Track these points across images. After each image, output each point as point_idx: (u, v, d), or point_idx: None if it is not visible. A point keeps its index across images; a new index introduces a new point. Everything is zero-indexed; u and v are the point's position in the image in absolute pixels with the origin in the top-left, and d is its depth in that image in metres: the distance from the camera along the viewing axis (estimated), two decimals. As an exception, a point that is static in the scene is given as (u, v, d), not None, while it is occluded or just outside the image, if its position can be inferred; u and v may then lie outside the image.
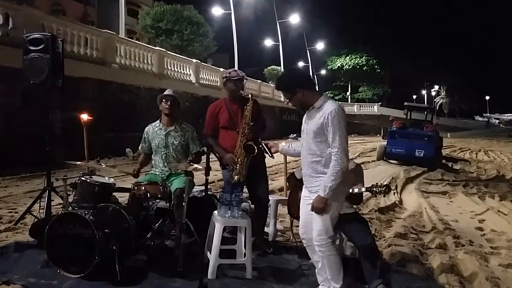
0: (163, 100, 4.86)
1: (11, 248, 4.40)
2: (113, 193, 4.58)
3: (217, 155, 4.39)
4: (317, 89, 3.59)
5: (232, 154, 4.56)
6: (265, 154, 4.09)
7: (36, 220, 4.93)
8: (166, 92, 4.92)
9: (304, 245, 3.69)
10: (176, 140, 4.85)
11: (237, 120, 4.64)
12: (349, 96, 63.12)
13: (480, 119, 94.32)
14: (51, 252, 3.85)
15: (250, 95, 4.64)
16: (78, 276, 3.73)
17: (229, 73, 4.76)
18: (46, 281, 3.69)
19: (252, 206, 5.00)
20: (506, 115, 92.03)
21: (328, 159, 3.34)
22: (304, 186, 3.60)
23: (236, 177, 4.51)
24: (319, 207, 3.31)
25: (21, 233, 5.21)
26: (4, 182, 9.00)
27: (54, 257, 3.84)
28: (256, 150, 4.14)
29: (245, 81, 4.80)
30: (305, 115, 3.56)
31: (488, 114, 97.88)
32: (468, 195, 9.68)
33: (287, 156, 4.78)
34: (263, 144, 4.03)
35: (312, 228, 3.46)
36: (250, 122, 4.51)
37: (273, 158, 4.22)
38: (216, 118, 4.75)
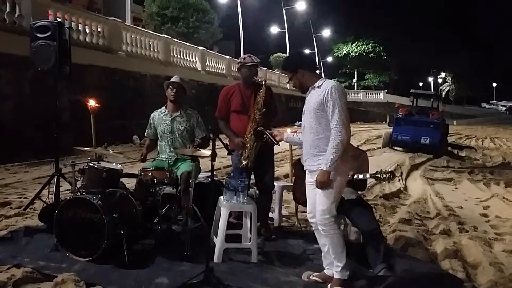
0: (170, 86, 4.90)
1: (21, 233, 4.47)
2: (121, 179, 4.62)
3: (223, 142, 4.43)
4: (318, 74, 3.65)
5: (242, 138, 4.61)
6: (270, 142, 4.13)
7: (45, 205, 5.00)
8: (172, 79, 4.95)
9: (313, 229, 3.73)
10: (181, 126, 4.90)
11: (249, 105, 4.68)
12: (355, 83, 62.85)
13: (487, 106, 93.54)
14: (60, 236, 3.93)
15: (264, 82, 4.67)
16: (87, 259, 3.80)
17: (244, 58, 4.79)
18: (55, 264, 3.76)
19: (257, 192, 5.05)
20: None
21: (330, 136, 3.37)
22: (306, 170, 3.63)
23: (244, 162, 4.55)
24: (323, 181, 3.35)
25: (30, 218, 5.30)
26: (13, 168, 9.11)
27: (63, 241, 3.91)
28: (266, 137, 4.18)
29: (260, 68, 4.83)
30: (306, 97, 3.62)
31: (494, 101, 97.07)
32: (473, 182, 9.69)
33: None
34: (267, 133, 4.06)
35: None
36: (262, 108, 4.54)
37: (279, 145, 4.25)
38: (229, 101, 4.79)
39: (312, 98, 3.50)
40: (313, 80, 3.54)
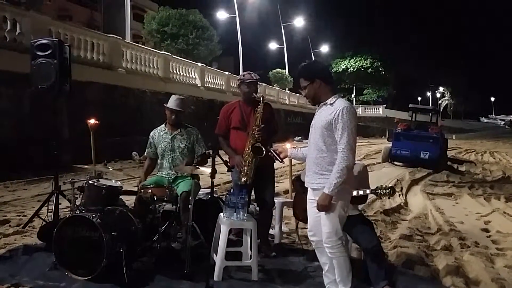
0: (169, 111, 4.91)
1: (19, 251, 4.44)
2: (120, 196, 4.62)
3: (222, 159, 4.43)
4: (333, 88, 3.55)
5: (240, 156, 4.60)
6: (274, 160, 4.11)
7: (44, 223, 4.97)
8: (172, 105, 4.90)
9: (313, 247, 3.70)
10: (182, 144, 4.90)
11: (248, 121, 4.68)
12: (354, 99, 62.95)
13: (486, 120, 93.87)
14: (59, 255, 3.89)
15: (261, 98, 4.68)
16: (86, 278, 3.76)
17: (243, 75, 4.81)
18: (54, 284, 3.73)
19: (257, 208, 5.03)
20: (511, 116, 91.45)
21: (334, 156, 3.32)
22: (308, 186, 3.59)
23: (243, 178, 4.54)
24: (324, 205, 3.30)
25: (29, 236, 5.27)
26: (12, 186, 9.07)
27: (62, 260, 3.88)
28: (264, 152, 4.16)
29: (259, 84, 4.84)
30: (316, 112, 3.57)
31: (493, 115, 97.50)
32: (473, 196, 9.65)
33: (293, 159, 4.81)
34: (272, 151, 4.04)
35: (321, 230, 3.47)
36: (260, 124, 4.54)
37: (283, 163, 4.22)
38: (229, 118, 4.80)
39: (322, 115, 3.42)
40: (327, 94, 3.45)
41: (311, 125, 3.55)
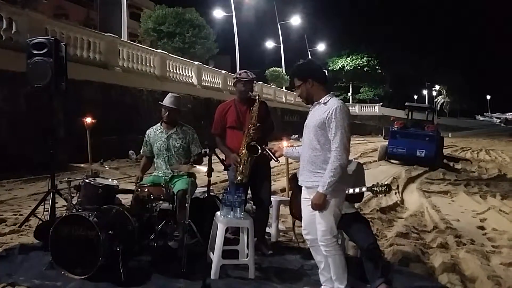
0: (163, 108, 4.91)
1: (16, 250, 4.43)
2: (117, 195, 4.61)
3: (219, 157, 4.43)
4: (326, 87, 3.57)
5: (236, 154, 4.61)
6: (270, 158, 4.12)
7: (40, 222, 4.96)
8: (166, 103, 4.92)
9: (308, 246, 3.71)
10: (177, 143, 4.89)
11: (244, 120, 4.68)
12: (351, 97, 63.10)
13: (481, 118, 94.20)
14: (55, 254, 3.88)
15: (257, 96, 4.69)
16: (83, 277, 3.76)
17: (239, 74, 4.82)
18: (50, 283, 3.72)
19: (254, 207, 5.04)
20: (507, 114, 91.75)
21: (328, 155, 3.34)
22: (302, 185, 3.60)
23: (239, 177, 4.55)
24: (318, 204, 3.31)
25: (26, 235, 5.26)
26: (8, 185, 9.04)
27: (59, 259, 3.87)
28: (259, 151, 4.16)
29: (255, 83, 4.85)
30: (309, 111, 3.58)
31: (488, 113, 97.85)
32: (469, 194, 9.69)
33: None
34: (267, 150, 4.05)
35: (316, 228, 3.47)
36: (255, 123, 4.55)
37: (279, 162, 4.22)
38: (224, 117, 4.80)
39: (316, 114, 3.44)
40: (320, 93, 3.47)
41: (304, 124, 3.57)
